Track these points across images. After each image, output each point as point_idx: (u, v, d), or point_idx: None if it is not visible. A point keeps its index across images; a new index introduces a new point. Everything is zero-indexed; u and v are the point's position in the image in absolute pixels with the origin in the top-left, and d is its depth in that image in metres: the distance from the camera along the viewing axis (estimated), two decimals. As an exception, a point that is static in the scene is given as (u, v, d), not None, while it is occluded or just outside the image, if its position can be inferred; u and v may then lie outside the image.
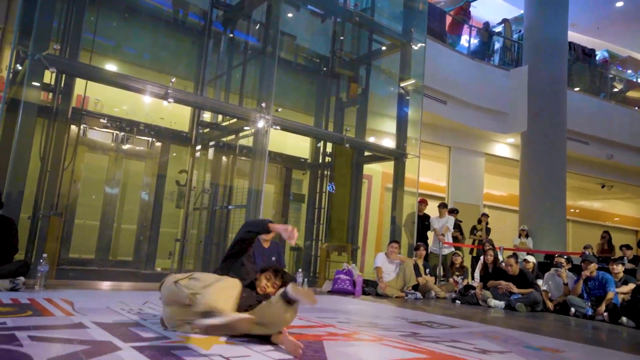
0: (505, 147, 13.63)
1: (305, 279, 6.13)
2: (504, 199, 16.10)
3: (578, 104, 12.63)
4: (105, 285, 5.24)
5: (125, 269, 6.94)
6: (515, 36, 13.96)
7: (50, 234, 5.40)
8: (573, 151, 12.48)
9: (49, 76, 5.74)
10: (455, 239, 9.07)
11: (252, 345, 2.49)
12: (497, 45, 13.60)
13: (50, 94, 6.04)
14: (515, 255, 6.71)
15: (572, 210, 17.46)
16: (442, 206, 8.93)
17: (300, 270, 6.23)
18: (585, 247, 8.27)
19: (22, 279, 4.07)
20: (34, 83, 5.30)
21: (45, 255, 4.48)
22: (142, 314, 3.23)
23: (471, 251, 9.67)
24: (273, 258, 5.33)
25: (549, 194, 11.02)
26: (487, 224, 9.73)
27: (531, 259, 7.64)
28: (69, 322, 2.77)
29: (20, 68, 5.51)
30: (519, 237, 10.27)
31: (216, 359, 2.12)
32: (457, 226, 9.29)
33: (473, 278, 8.03)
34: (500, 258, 7.54)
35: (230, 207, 7.56)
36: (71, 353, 2.05)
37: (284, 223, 8.31)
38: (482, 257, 7.50)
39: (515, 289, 6.28)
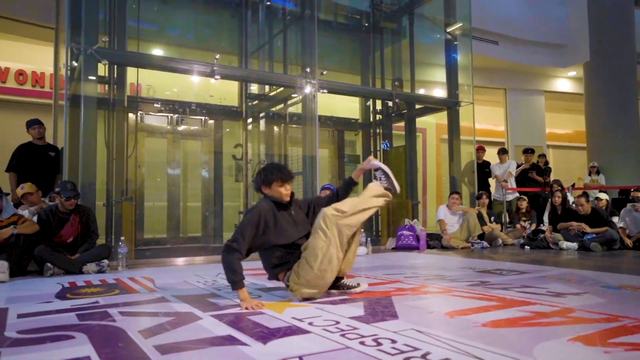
0: (566, 81, 12.81)
1: (368, 238, 6.18)
2: (570, 136, 15.29)
3: (647, 23, 11.53)
4: (180, 261, 5.56)
5: (195, 245, 7.31)
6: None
7: (124, 218, 5.76)
8: (644, 76, 11.51)
9: (102, 69, 5.99)
10: (536, 182, 8.65)
11: (322, 305, 2.57)
12: (549, -29, 12.56)
13: (106, 86, 6.32)
14: (585, 194, 6.39)
15: (648, 141, 16.26)
16: (502, 152, 8.58)
17: (362, 230, 6.26)
18: (664, 178, 7.72)
19: (106, 261, 4.41)
20: (90, 77, 5.56)
21: (122, 238, 4.81)
22: (216, 285, 3.42)
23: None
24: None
25: (620, 125, 10.32)
26: (546, 163, 9.21)
27: (604, 196, 7.27)
28: (152, 297, 2.98)
29: (75, 64, 5.79)
30: (589, 174, 9.74)
31: (290, 321, 2.21)
32: (536, 167, 8.80)
33: (542, 222, 7.76)
34: (570, 199, 7.22)
35: (287, 175, 7.68)
36: (158, 324, 2.21)
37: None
38: (550, 199, 7.21)
39: (588, 229, 6.02)
